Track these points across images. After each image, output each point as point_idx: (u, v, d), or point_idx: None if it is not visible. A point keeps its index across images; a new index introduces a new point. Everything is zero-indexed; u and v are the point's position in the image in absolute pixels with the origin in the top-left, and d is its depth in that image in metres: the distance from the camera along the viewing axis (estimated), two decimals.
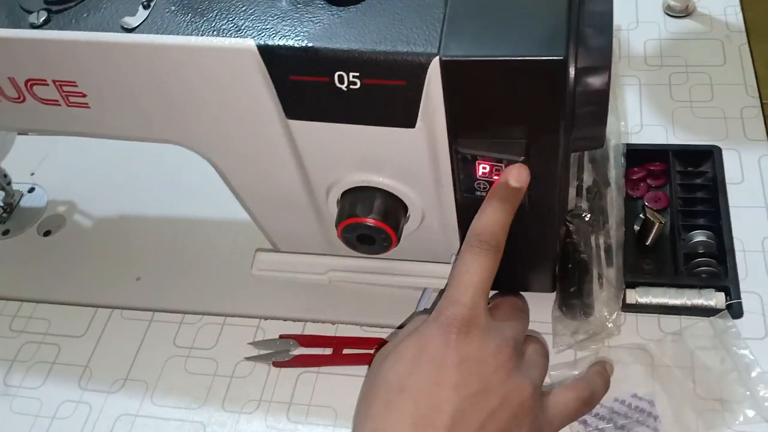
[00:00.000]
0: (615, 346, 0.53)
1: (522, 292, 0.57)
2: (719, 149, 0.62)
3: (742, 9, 0.73)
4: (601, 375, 0.47)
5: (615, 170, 0.61)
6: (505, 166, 0.43)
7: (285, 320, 0.58)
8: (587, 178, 0.61)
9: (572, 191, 0.60)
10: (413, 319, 0.43)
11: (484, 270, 0.41)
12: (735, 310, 0.53)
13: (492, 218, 0.42)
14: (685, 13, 0.74)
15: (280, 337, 0.57)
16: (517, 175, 0.42)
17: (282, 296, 0.59)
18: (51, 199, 0.71)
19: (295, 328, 0.57)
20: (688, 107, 0.66)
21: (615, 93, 0.66)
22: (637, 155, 0.63)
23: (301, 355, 0.55)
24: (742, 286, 0.54)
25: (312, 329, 0.57)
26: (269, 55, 0.40)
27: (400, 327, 0.52)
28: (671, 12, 0.74)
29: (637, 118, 0.66)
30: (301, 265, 0.55)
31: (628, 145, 0.63)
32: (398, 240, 0.48)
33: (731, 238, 0.56)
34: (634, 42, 0.72)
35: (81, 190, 0.71)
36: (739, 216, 0.58)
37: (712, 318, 0.53)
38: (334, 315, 0.57)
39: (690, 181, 0.62)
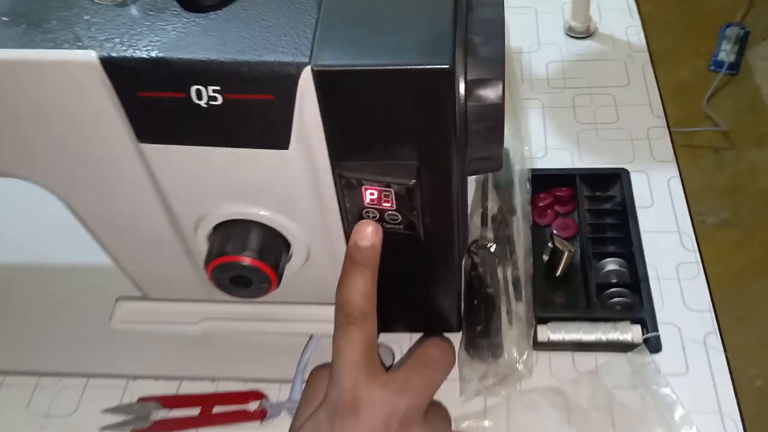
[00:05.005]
0: (527, 390, 0.48)
1: (425, 333, 0.52)
2: (627, 172, 0.59)
3: (644, 29, 0.71)
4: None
5: (520, 196, 0.57)
6: (395, 191, 0.38)
7: (157, 379, 0.50)
8: (492, 206, 0.56)
9: (476, 220, 0.56)
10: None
11: (356, 345, 0.38)
12: (653, 344, 0.49)
13: (350, 288, 0.38)
14: (587, 34, 0.72)
15: (139, 400, 0.49)
16: (362, 233, 0.38)
17: (153, 351, 0.51)
18: None
19: (169, 388, 0.50)
20: (593, 129, 0.63)
21: (518, 116, 0.62)
22: (543, 180, 0.59)
23: (163, 419, 0.48)
24: (660, 317, 0.50)
25: (189, 388, 0.50)
26: (113, 68, 0.35)
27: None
28: (572, 33, 0.72)
29: (542, 142, 0.63)
30: (170, 315, 0.48)
31: (532, 170, 0.59)
32: (279, 281, 0.42)
33: (644, 266, 0.53)
34: (536, 64, 0.69)
35: None
36: (652, 241, 0.55)
37: (628, 353, 0.48)
38: (212, 370, 0.50)
39: (599, 207, 0.58)
